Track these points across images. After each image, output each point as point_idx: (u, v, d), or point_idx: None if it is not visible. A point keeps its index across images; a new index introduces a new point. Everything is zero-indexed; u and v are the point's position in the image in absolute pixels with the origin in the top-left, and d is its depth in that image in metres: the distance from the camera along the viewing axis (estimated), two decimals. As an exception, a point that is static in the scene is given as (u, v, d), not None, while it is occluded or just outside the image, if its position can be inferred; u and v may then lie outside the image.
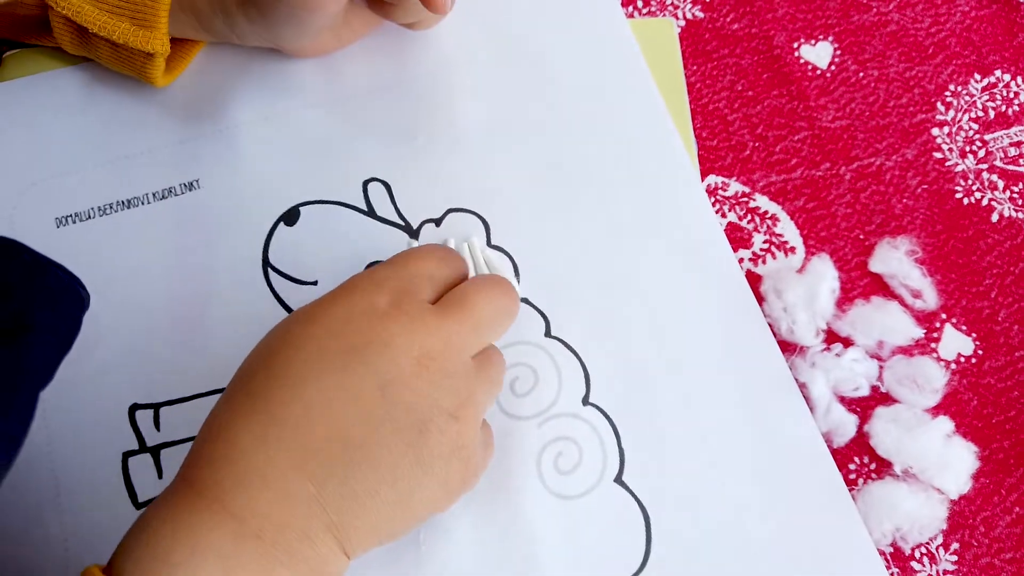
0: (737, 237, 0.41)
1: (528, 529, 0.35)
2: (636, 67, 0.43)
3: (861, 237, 0.41)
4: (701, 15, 0.45)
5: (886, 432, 0.36)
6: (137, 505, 0.35)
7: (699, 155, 0.42)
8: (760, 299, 0.39)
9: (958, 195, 0.42)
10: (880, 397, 0.38)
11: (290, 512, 0.26)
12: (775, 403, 0.37)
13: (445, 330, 0.29)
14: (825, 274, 0.39)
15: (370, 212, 0.40)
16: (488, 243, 0.40)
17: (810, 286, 0.38)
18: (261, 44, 0.41)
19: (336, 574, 0.27)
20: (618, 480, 0.36)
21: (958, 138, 0.43)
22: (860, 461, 0.37)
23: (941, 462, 0.36)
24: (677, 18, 0.45)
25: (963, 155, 0.43)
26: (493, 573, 0.34)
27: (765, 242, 0.41)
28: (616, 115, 0.42)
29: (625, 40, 0.44)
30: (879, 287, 0.40)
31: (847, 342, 0.38)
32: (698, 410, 0.37)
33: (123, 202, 0.40)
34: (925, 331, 0.39)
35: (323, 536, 0.26)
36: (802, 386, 0.37)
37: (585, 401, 0.37)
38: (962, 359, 0.39)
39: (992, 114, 0.43)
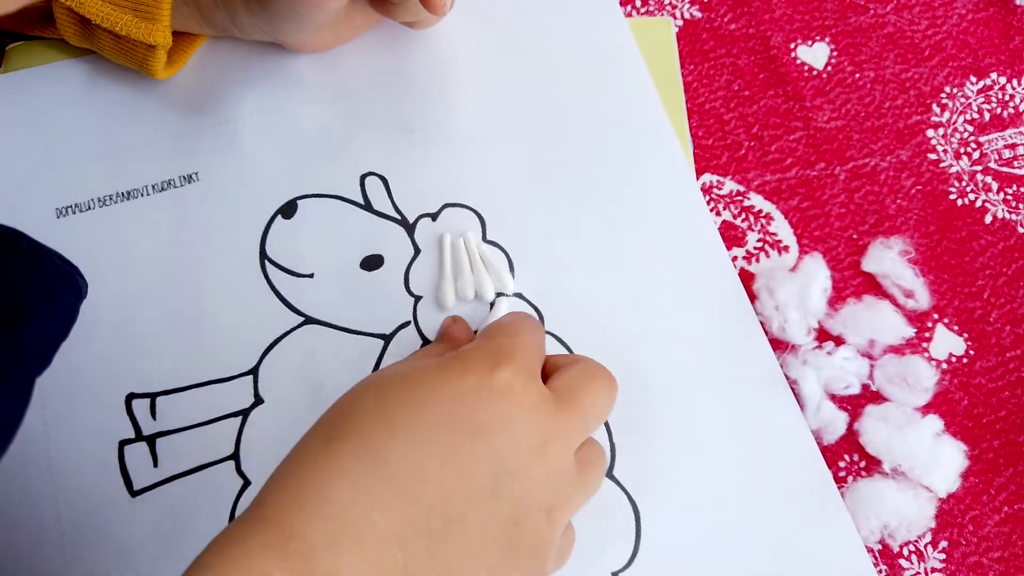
0: (731, 235, 0.41)
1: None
2: (633, 65, 0.43)
3: (855, 237, 0.41)
4: (699, 15, 0.46)
5: (876, 430, 0.36)
6: (132, 493, 0.35)
7: (695, 154, 0.42)
8: (752, 297, 0.39)
9: (952, 196, 0.42)
10: (871, 396, 0.38)
11: None
12: (766, 400, 0.37)
13: (563, 424, 0.28)
14: (817, 273, 0.39)
15: (367, 206, 0.41)
16: (483, 238, 0.40)
17: (802, 285, 0.39)
18: (262, 38, 0.41)
19: None
20: (609, 474, 0.36)
21: (953, 140, 0.43)
22: (850, 459, 0.37)
23: (930, 461, 0.36)
24: (675, 18, 0.46)
25: (957, 157, 0.43)
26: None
27: (759, 241, 0.41)
28: (613, 113, 0.42)
29: (623, 38, 0.44)
30: (871, 286, 0.40)
31: (839, 341, 0.38)
32: (689, 406, 0.37)
33: (123, 193, 0.41)
34: (916, 330, 0.39)
35: None
36: (793, 383, 0.37)
37: (577, 396, 0.37)
38: (953, 359, 0.39)
39: (987, 116, 0.44)
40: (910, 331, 0.39)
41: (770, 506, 0.35)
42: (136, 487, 0.36)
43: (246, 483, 0.36)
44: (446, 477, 0.26)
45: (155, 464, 0.36)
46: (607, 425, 0.37)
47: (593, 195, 0.41)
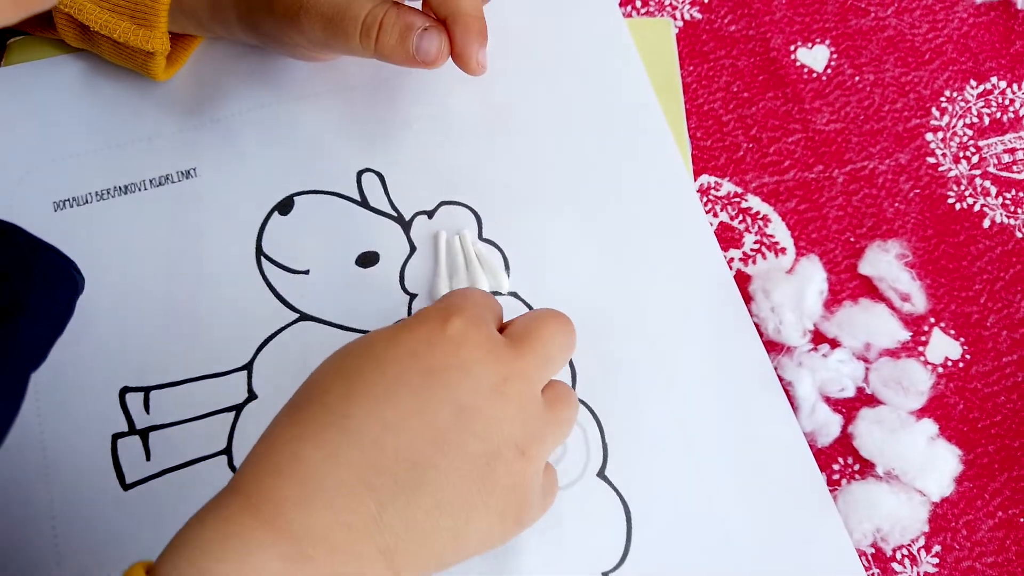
0: (728, 237, 0.41)
1: (510, 520, 0.35)
2: (632, 66, 0.43)
3: (852, 240, 0.41)
4: (699, 16, 0.46)
5: (870, 434, 0.36)
6: (124, 486, 0.36)
7: (693, 155, 0.42)
8: (748, 299, 0.39)
9: (950, 200, 0.42)
10: (865, 399, 0.38)
11: (347, 534, 0.25)
12: (759, 402, 0.37)
13: (519, 363, 0.29)
14: (814, 276, 0.39)
15: (364, 203, 0.41)
16: (479, 236, 0.40)
17: (798, 287, 0.39)
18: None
19: None
20: (600, 475, 0.36)
21: (952, 143, 0.43)
22: (844, 462, 0.37)
23: (924, 464, 0.36)
24: (675, 19, 0.46)
25: (956, 160, 0.43)
26: (473, 563, 0.34)
27: (756, 242, 0.41)
28: (611, 113, 0.42)
29: (622, 39, 0.44)
30: (868, 289, 0.40)
31: (834, 343, 0.38)
32: (682, 408, 0.37)
33: (120, 188, 0.41)
34: (912, 334, 0.39)
35: (377, 560, 0.26)
36: (788, 385, 0.37)
37: (571, 395, 0.37)
38: (949, 363, 0.39)
39: (987, 120, 0.43)
40: (906, 335, 0.38)
41: (761, 508, 0.35)
42: (128, 480, 0.36)
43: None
44: (408, 424, 0.26)
45: (148, 458, 0.36)
46: (599, 426, 0.37)
47: (589, 195, 0.41)
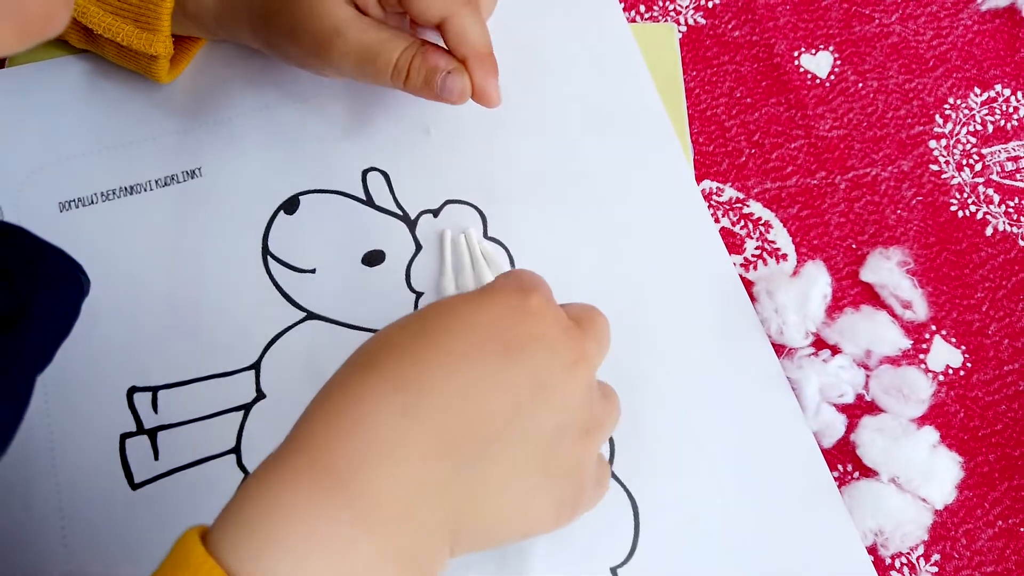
0: (730, 243, 0.41)
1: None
2: (637, 70, 0.43)
3: (854, 246, 0.41)
4: (703, 21, 0.46)
5: (872, 442, 0.36)
6: (133, 486, 0.36)
7: (695, 160, 0.43)
8: (752, 300, 0.39)
9: (953, 208, 0.42)
10: (865, 406, 0.38)
11: (412, 502, 0.24)
12: (766, 400, 0.37)
13: (589, 346, 0.29)
14: (818, 279, 0.39)
15: (369, 202, 0.41)
16: (484, 235, 0.40)
17: (803, 289, 0.39)
18: None
19: (438, 572, 0.26)
20: (607, 473, 0.36)
21: (955, 151, 0.43)
22: (844, 469, 0.37)
23: (926, 472, 0.36)
24: (679, 24, 0.46)
25: (960, 168, 0.43)
26: (480, 561, 0.34)
27: (757, 248, 0.41)
28: (615, 116, 0.43)
29: (626, 43, 0.44)
30: (869, 297, 0.40)
31: (835, 350, 0.39)
32: (689, 405, 0.37)
33: (126, 188, 0.41)
34: (913, 342, 0.39)
35: (438, 531, 0.25)
36: (793, 385, 0.37)
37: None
38: (951, 371, 0.39)
39: (991, 128, 0.44)
40: (906, 342, 0.39)
41: (769, 506, 0.35)
42: (137, 480, 0.36)
43: (247, 477, 0.36)
44: (484, 393, 0.26)
45: (156, 457, 0.36)
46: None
47: (595, 197, 0.41)
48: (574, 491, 0.28)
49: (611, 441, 0.36)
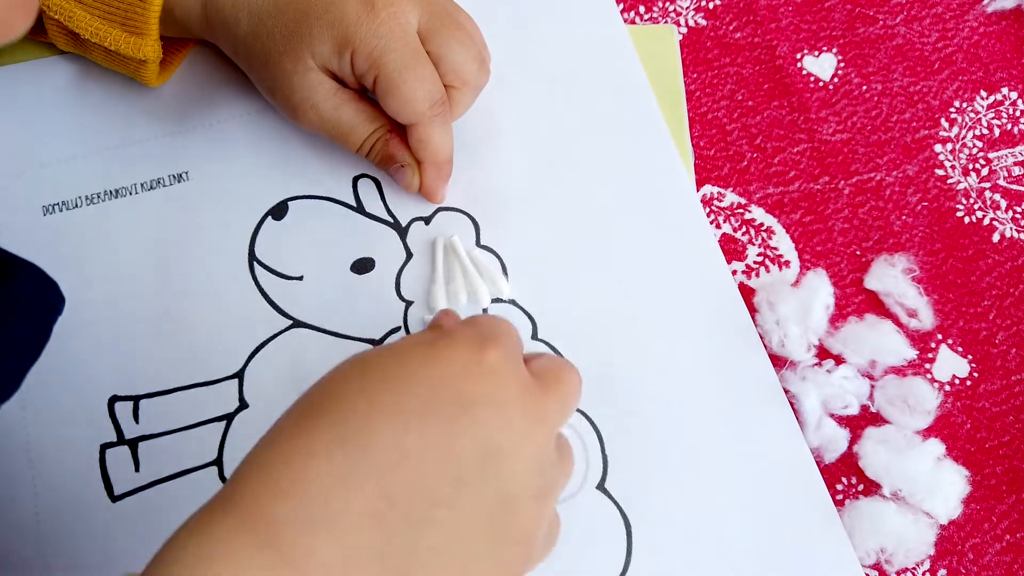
0: (731, 249, 0.40)
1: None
2: (633, 74, 0.43)
3: (858, 253, 0.40)
4: (704, 23, 0.45)
5: (875, 453, 0.35)
6: (113, 498, 0.35)
7: (696, 164, 0.42)
8: (752, 311, 0.38)
9: (959, 213, 0.41)
10: (870, 417, 0.37)
11: (347, 565, 0.23)
12: (764, 416, 0.36)
13: (548, 407, 0.27)
14: (820, 289, 0.38)
15: (359, 208, 0.40)
16: (477, 243, 0.39)
17: (804, 300, 0.38)
18: None
19: None
20: (600, 487, 0.35)
21: (961, 155, 0.42)
22: (847, 482, 0.36)
23: (931, 486, 0.35)
24: (679, 25, 0.45)
25: (966, 173, 0.42)
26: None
27: (759, 255, 0.40)
28: (611, 121, 0.42)
29: (623, 46, 0.43)
30: (874, 305, 0.39)
31: (839, 359, 0.38)
32: (685, 420, 0.36)
33: (111, 192, 0.40)
34: (919, 352, 0.38)
35: None
36: (793, 399, 0.37)
37: (569, 408, 0.36)
38: (957, 381, 0.38)
39: (997, 132, 0.43)
40: (912, 352, 0.38)
41: (764, 523, 0.35)
42: (117, 492, 0.35)
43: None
44: (431, 454, 0.24)
45: (136, 469, 0.35)
46: (599, 437, 0.36)
47: (590, 204, 0.40)
48: (521, 557, 0.27)
49: (604, 458, 0.35)
